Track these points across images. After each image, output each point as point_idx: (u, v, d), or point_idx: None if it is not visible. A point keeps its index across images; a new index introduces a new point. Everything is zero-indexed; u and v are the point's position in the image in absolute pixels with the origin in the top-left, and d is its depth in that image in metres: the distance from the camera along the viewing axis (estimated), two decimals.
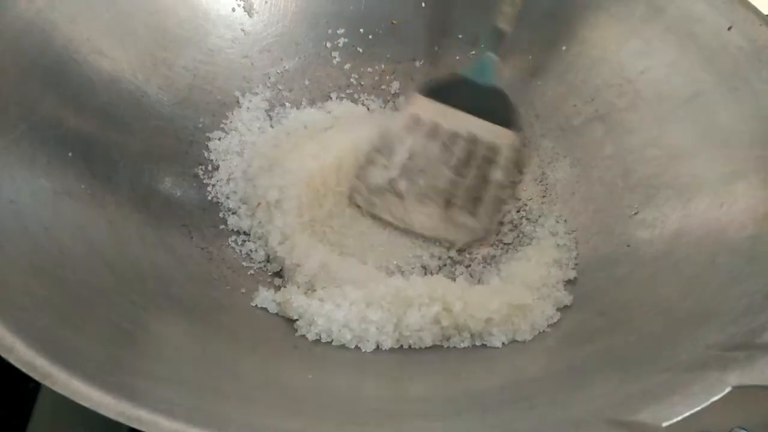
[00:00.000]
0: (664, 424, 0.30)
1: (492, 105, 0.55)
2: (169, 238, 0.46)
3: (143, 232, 0.45)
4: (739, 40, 0.47)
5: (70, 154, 0.44)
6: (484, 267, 0.51)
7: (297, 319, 0.44)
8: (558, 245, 0.49)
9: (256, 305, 0.45)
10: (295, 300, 0.44)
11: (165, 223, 0.47)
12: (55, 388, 0.28)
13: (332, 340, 0.42)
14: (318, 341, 0.43)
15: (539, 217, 0.52)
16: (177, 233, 0.47)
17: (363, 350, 0.42)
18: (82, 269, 0.38)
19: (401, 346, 0.43)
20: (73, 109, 0.46)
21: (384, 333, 0.42)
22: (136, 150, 0.49)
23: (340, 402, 0.37)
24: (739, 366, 0.31)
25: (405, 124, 0.54)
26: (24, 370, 0.29)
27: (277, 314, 0.45)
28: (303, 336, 0.43)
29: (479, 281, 0.49)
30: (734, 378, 0.31)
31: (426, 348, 0.43)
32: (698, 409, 0.30)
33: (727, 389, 0.31)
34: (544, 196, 0.54)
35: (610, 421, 0.30)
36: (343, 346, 0.42)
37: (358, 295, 0.43)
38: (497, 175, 0.53)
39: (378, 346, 0.43)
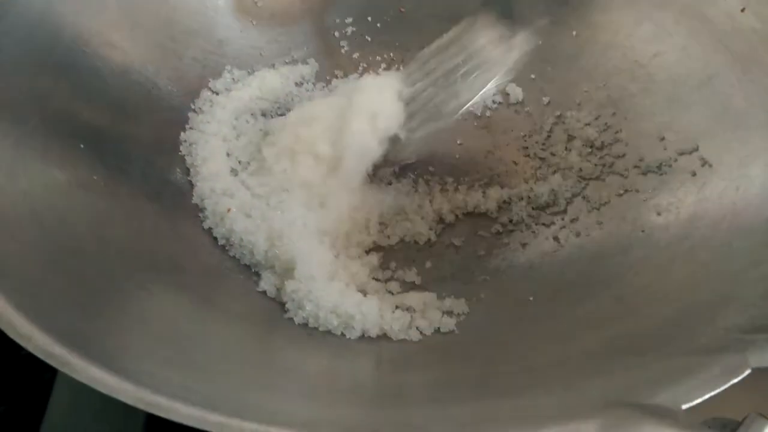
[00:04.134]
0: (684, 407, 0.29)
1: None
2: (182, 228, 0.47)
3: (156, 222, 0.45)
4: (753, 22, 0.47)
5: (82, 146, 0.44)
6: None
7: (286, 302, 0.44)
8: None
9: (263, 291, 0.45)
10: (289, 285, 0.43)
11: (178, 213, 0.47)
12: (74, 375, 0.28)
13: (319, 326, 0.42)
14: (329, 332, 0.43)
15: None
16: (189, 223, 0.48)
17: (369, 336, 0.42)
18: (97, 259, 0.38)
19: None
20: (84, 101, 0.46)
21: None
22: (147, 141, 0.49)
23: (353, 388, 0.37)
24: (759, 348, 0.31)
25: None
26: (42, 357, 0.29)
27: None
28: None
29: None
30: (754, 360, 0.30)
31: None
32: (718, 391, 0.30)
33: (747, 371, 0.30)
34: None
35: (629, 404, 0.30)
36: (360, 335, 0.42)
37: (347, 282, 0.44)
38: None
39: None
